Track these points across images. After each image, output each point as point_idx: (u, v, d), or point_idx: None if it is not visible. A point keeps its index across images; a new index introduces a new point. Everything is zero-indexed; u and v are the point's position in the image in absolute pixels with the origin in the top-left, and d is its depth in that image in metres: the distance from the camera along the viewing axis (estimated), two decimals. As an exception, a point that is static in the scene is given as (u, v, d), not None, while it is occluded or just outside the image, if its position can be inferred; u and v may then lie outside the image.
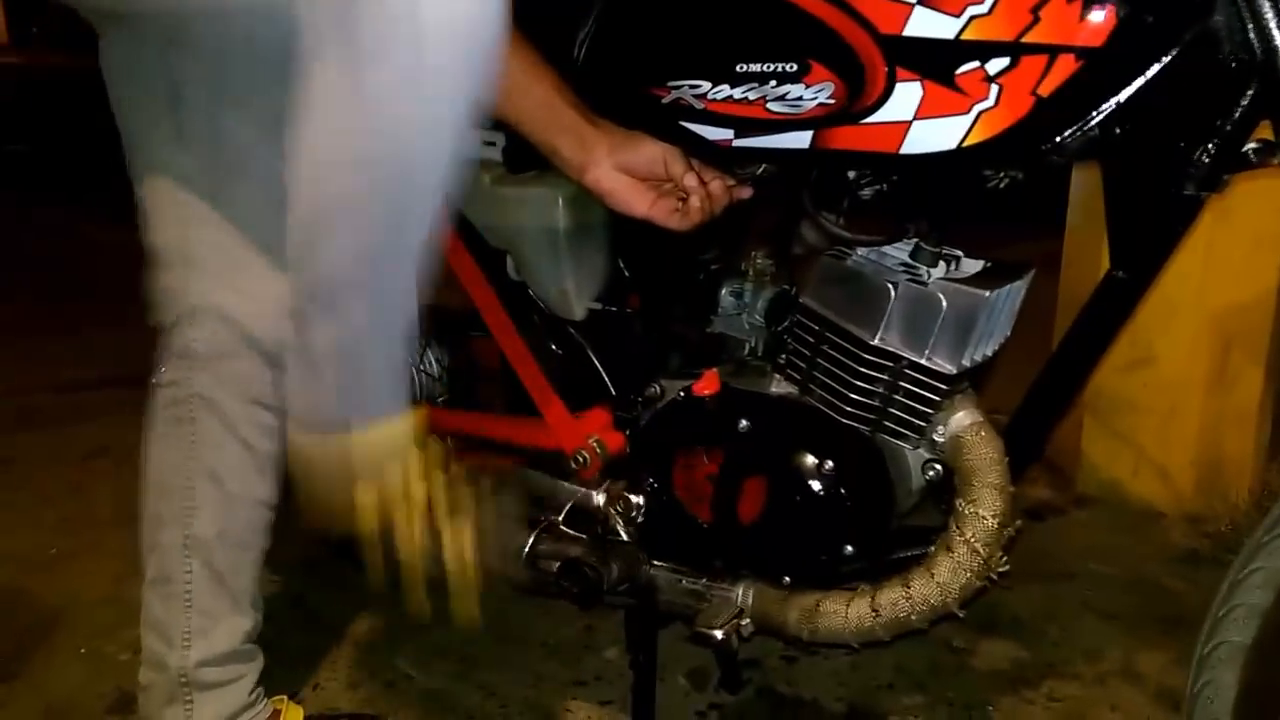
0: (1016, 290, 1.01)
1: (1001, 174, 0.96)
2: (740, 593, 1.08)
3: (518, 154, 1.18)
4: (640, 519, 1.16)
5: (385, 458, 0.93)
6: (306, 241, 0.86)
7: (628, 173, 1.03)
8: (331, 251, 0.85)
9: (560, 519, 1.16)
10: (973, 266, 1.02)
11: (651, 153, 1.02)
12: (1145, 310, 1.61)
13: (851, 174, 1.04)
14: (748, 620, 1.05)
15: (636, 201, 1.04)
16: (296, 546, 1.57)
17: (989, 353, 1.02)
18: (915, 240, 1.02)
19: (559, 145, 1.02)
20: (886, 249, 1.04)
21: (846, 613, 1.01)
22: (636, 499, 1.15)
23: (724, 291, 1.16)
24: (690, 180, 1.02)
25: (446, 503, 0.97)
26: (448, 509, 0.97)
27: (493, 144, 1.21)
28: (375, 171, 0.81)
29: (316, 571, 1.57)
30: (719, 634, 1.02)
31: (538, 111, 1.01)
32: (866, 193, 1.06)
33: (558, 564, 1.09)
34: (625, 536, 1.16)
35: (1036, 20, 0.82)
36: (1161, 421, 1.74)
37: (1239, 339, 1.69)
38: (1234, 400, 1.71)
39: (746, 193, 1.07)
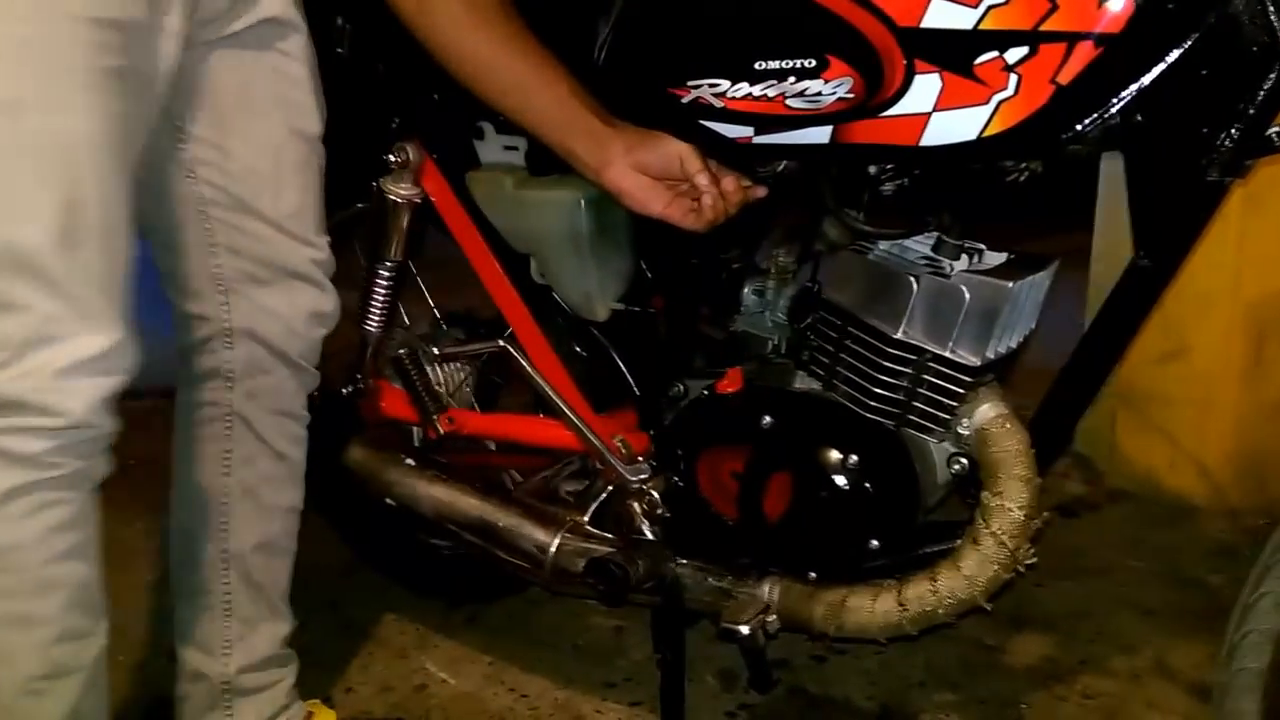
0: (1040, 282, 1.00)
1: (1022, 166, 0.96)
2: (766, 589, 1.08)
3: (540, 157, 1.18)
4: (666, 517, 1.16)
5: None
6: None
7: (644, 172, 1.03)
8: None
9: (586, 518, 1.16)
10: (995, 259, 1.02)
11: (667, 151, 1.02)
12: (1179, 302, 1.61)
13: (872, 169, 1.04)
14: (774, 616, 1.05)
15: (652, 201, 1.03)
16: (331, 553, 1.59)
17: (1013, 345, 1.01)
18: (937, 233, 1.01)
19: (574, 146, 1.02)
20: (908, 243, 1.04)
21: (873, 607, 1.00)
22: (662, 497, 1.16)
23: (746, 290, 1.16)
24: (702, 180, 1.01)
25: None
26: None
27: (514, 148, 1.22)
28: None
29: (350, 577, 1.59)
30: (745, 629, 1.02)
31: (553, 113, 1.02)
32: (887, 187, 1.06)
33: (584, 562, 1.09)
34: (651, 535, 1.16)
35: (1055, 8, 0.82)
36: (1197, 414, 1.71)
37: (1274, 330, 1.66)
38: (1270, 392, 1.68)
39: (761, 192, 1.06)
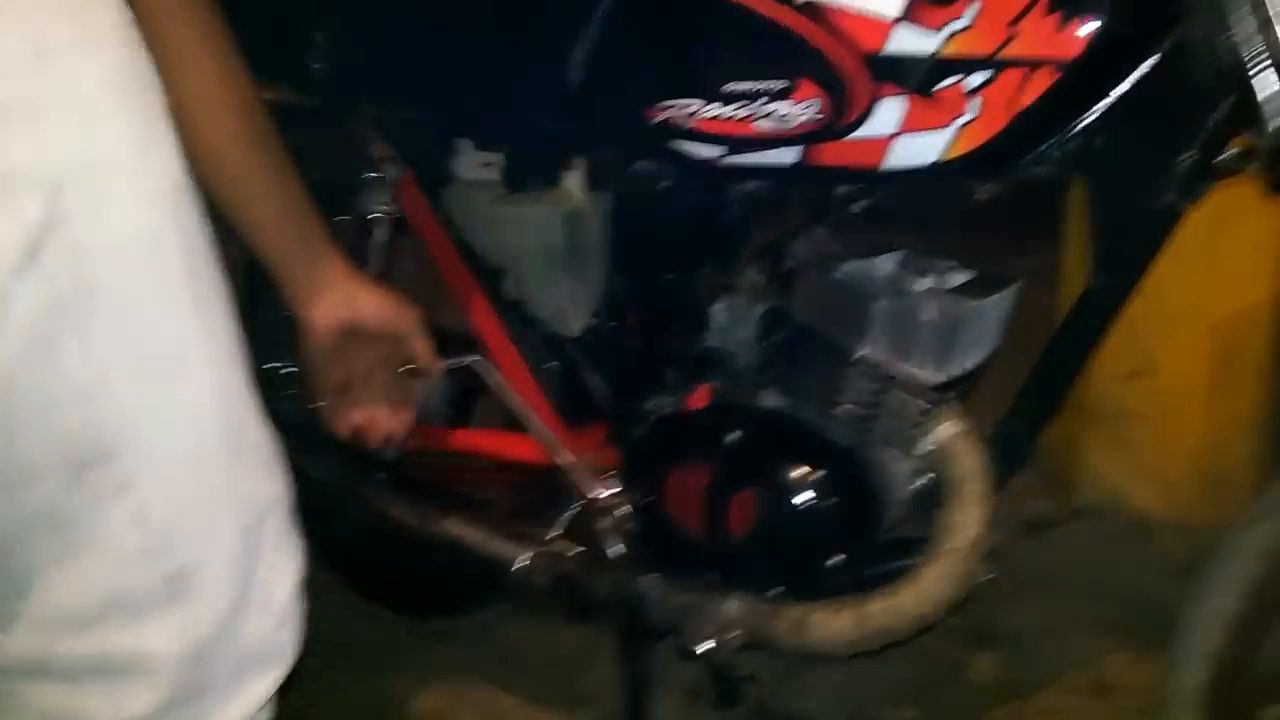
0: (1002, 301, 1.02)
1: (986, 187, 0.98)
2: (731, 605, 1.08)
3: (515, 174, 1.20)
4: (634, 533, 1.16)
5: None
6: None
7: (350, 323, 0.88)
8: None
9: (555, 534, 1.17)
10: (959, 278, 1.03)
11: (380, 310, 0.89)
12: (1144, 320, 1.63)
13: (840, 189, 1.06)
14: (738, 633, 1.06)
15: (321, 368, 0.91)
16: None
17: (975, 363, 1.03)
18: (902, 252, 1.03)
19: (295, 265, 0.85)
20: (874, 262, 1.05)
21: (835, 624, 1.01)
22: (630, 513, 1.16)
23: (717, 307, 1.17)
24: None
25: None
26: None
27: (490, 165, 1.23)
28: None
29: (316, 593, 1.57)
30: (708, 646, 1.03)
31: (274, 221, 0.83)
32: (855, 206, 1.08)
33: (551, 579, 1.10)
34: (619, 551, 1.17)
35: (1014, 35, 0.84)
36: (1161, 431, 1.74)
37: (1237, 349, 1.69)
38: (1233, 410, 1.71)
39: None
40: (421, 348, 0.93)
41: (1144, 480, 1.76)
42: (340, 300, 0.87)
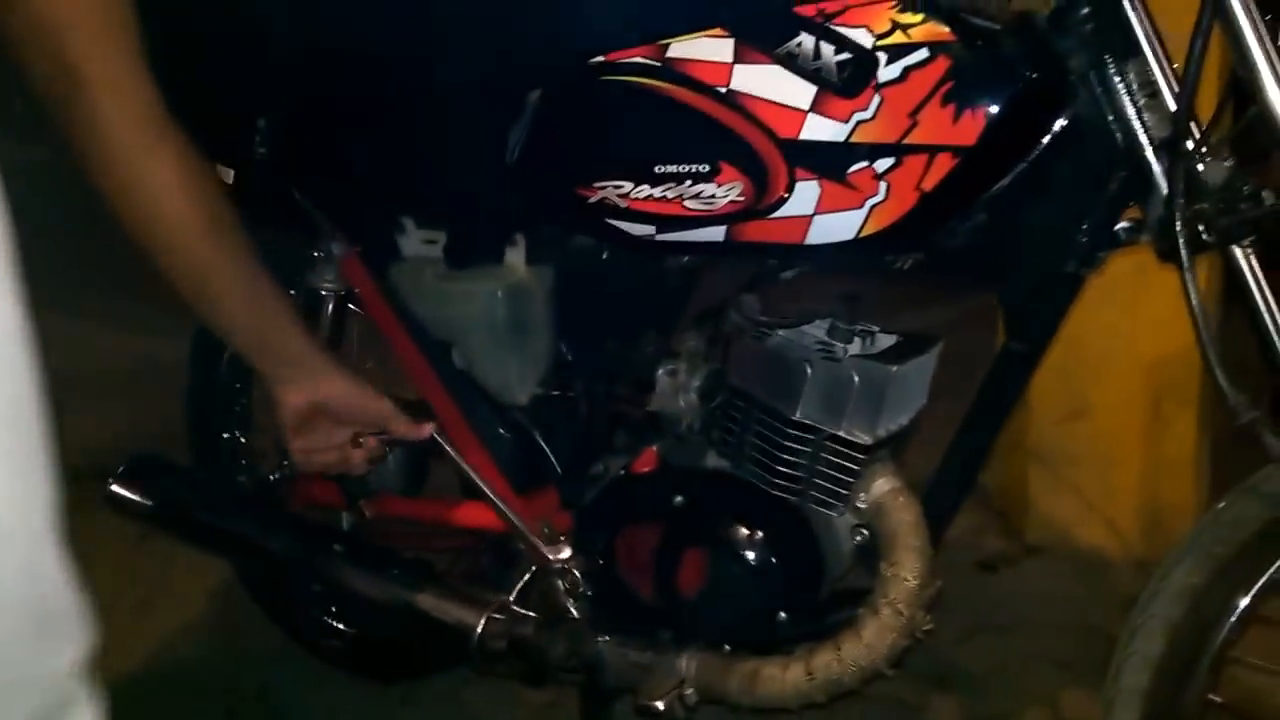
0: (925, 362, 1.07)
1: (904, 256, 1.03)
2: (684, 663, 1.11)
3: (459, 250, 1.24)
4: (588, 595, 1.20)
5: None
6: None
7: (318, 406, 0.98)
8: None
9: (511, 599, 1.20)
10: (886, 341, 1.09)
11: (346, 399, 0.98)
12: (1078, 365, 1.70)
13: (770, 261, 1.11)
14: (691, 690, 1.09)
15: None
16: (258, 636, 1.58)
17: (904, 422, 1.07)
18: (830, 319, 1.08)
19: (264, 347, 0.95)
20: (805, 328, 1.10)
21: (784, 677, 1.04)
22: (584, 576, 1.19)
23: (660, 372, 1.22)
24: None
25: None
26: None
27: (434, 242, 1.28)
28: None
29: (280, 663, 1.58)
30: (661, 704, 1.06)
31: (244, 311, 0.91)
32: (787, 274, 1.13)
33: (505, 642, 1.12)
34: (574, 613, 1.20)
35: (915, 124, 0.90)
36: (1102, 471, 1.79)
37: (1169, 389, 1.75)
38: (1169, 448, 1.77)
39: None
40: (405, 429, 1.02)
41: (1090, 519, 1.81)
42: (310, 386, 0.95)
